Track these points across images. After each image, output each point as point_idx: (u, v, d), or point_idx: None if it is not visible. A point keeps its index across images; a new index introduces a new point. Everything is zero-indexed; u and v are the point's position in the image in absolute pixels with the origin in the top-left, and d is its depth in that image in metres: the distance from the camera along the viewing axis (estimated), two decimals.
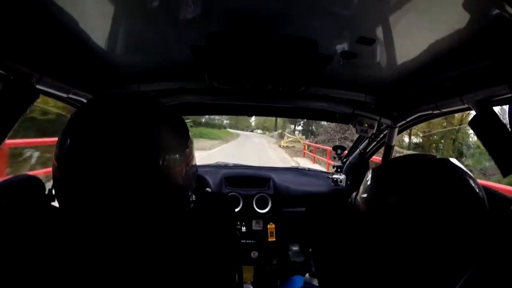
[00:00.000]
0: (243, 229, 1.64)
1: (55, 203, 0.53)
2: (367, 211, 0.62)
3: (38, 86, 0.77)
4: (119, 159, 0.44)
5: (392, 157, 1.44)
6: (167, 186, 0.49)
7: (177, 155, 0.50)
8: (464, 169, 0.56)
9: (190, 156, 0.54)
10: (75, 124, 0.47)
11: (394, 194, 0.57)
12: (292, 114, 1.76)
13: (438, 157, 0.60)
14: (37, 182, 0.68)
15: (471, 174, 0.56)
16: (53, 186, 0.50)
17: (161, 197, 0.48)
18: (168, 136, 0.50)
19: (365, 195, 0.64)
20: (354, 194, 0.72)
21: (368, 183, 0.64)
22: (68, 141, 0.46)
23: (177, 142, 0.51)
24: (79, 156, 0.44)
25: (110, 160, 0.44)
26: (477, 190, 0.54)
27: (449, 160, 0.58)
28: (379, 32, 0.73)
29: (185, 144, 0.53)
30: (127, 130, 0.46)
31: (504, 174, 0.68)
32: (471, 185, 0.54)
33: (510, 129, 0.66)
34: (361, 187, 0.68)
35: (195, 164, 0.58)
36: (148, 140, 0.46)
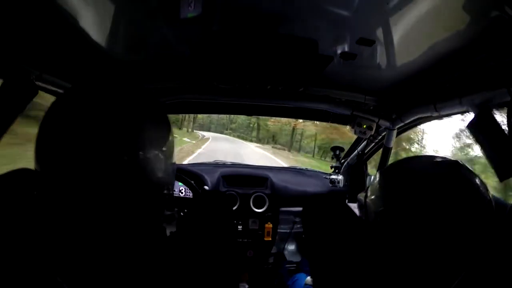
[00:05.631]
0: (240, 228, 1.65)
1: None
2: (380, 213, 0.62)
3: (37, 83, 0.76)
4: (93, 152, 0.43)
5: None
6: (143, 180, 0.47)
7: (156, 150, 0.48)
8: (474, 172, 0.58)
9: (170, 152, 0.53)
10: (50, 115, 0.46)
11: (410, 197, 0.57)
12: (291, 114, 1.76)
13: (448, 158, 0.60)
14: (31, 175, 0.67)
15: (481, 178, 0.57)
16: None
17: (138, 191, 0.47)
18: (146, 129, 0.48)
19: (376, 198, 0.65)
20: (362, 197, 0.73)
21: (380, 186, 0.65)
22: (43, 134, 0.45)
23: (156, 136, 0.49)
24: (53, 150, 0.43)
25: (84, 153, 0.42)
26: (487, 194, 0.55)
27: (459, 162, 0.59)
28: (379, 33, 0.73)
29: (165, 139, 0.51)
30: (102, 121, 0.44)
31: (501, 178, 0.68)
32: (482, 189, 0.55)
33: (508, 133, 0.66)
34: (370, 190, 0.69)
35: (175, 162, 0.56)
36: (124, 131, 0.45)
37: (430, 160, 0.62)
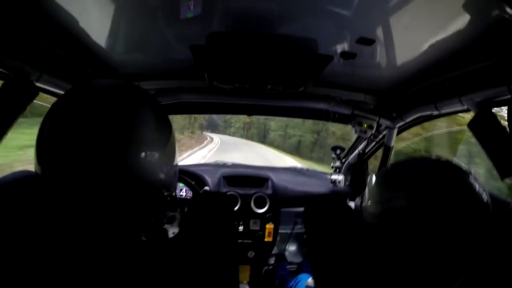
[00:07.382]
0: (241, 228, 1.64)
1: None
2: (377, 216, 0.63)
3: (38, 84, 0.77)
4: (93, 153, 0.42)
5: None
6: (144, 182, 0.47)
7: (157, 151, 0.48)
8: (468, 171, 0.58)
9: (172, 154, 0.52)
10: (51, 117, 0.45)
11: (403, 199, 0.58)
12: (291, 114, 1.76)
13: (441, 158, 0.60)
14: (34, 178, 0.68)
15: (475, 176, 0.57)
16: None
17: (139, 193, 0.47)
18: (147, 131, 0.47)
19: (372, 201, 0.65)
20: (358, 200, 0.73)
21: (376, 188, 0.65)
22: (44, 136, 0.44)
23: (157, 138, 0.49)
24: (54, 152, 0.43)
25: (84, 155, 0.42)
26: (483, 194, 0.55)
27: (453, 162, 0.59)
28: (379, 32, 0.73)
29: (166, 141, 0.50)
30: (103, 123, 0.43)
31: (503, 176, 0.68)
32: (477, 189, 0.55)
33: (509, 131, 0.66)
34: (367, 193, 0.69)
35: (177, 164, 0.56)
36: (125, 134, 0.44)
37: (422, 160, 0.63)
